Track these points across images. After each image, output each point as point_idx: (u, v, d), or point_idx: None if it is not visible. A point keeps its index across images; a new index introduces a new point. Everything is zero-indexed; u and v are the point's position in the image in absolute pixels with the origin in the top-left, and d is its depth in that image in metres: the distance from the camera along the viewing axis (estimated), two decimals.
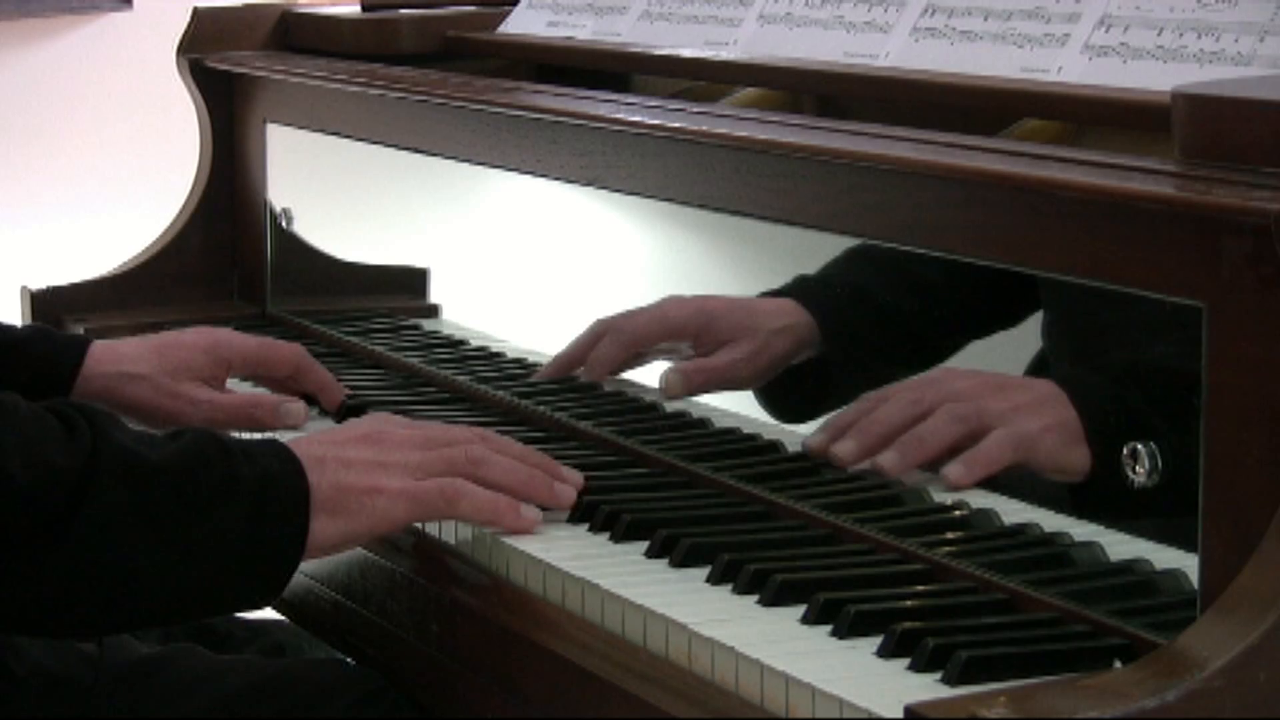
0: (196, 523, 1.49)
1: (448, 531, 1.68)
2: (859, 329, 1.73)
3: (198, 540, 1.49)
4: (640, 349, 1.89)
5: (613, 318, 1.91)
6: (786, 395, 1.76)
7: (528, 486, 1.64)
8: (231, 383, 2.02)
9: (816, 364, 1.74)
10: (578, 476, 1.68)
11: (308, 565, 1.81)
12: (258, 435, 1.82)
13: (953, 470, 1.56)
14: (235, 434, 1.76)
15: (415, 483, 1.59)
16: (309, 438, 1.62)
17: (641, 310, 1.88)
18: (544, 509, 1.65)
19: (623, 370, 1.92)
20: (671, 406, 1.85)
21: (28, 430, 1.47)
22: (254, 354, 1.98)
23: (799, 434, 1.72)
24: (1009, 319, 1.58)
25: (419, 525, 1.70)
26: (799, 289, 1.74)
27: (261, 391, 2.01)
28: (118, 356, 1.93)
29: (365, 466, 1.57)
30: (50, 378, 1.89)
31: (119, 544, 1.47)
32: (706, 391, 1.83)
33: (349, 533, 1.57)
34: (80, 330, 2.37)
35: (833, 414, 1.67)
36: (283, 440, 1.59)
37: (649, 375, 1.89)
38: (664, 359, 1.88)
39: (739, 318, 1.78)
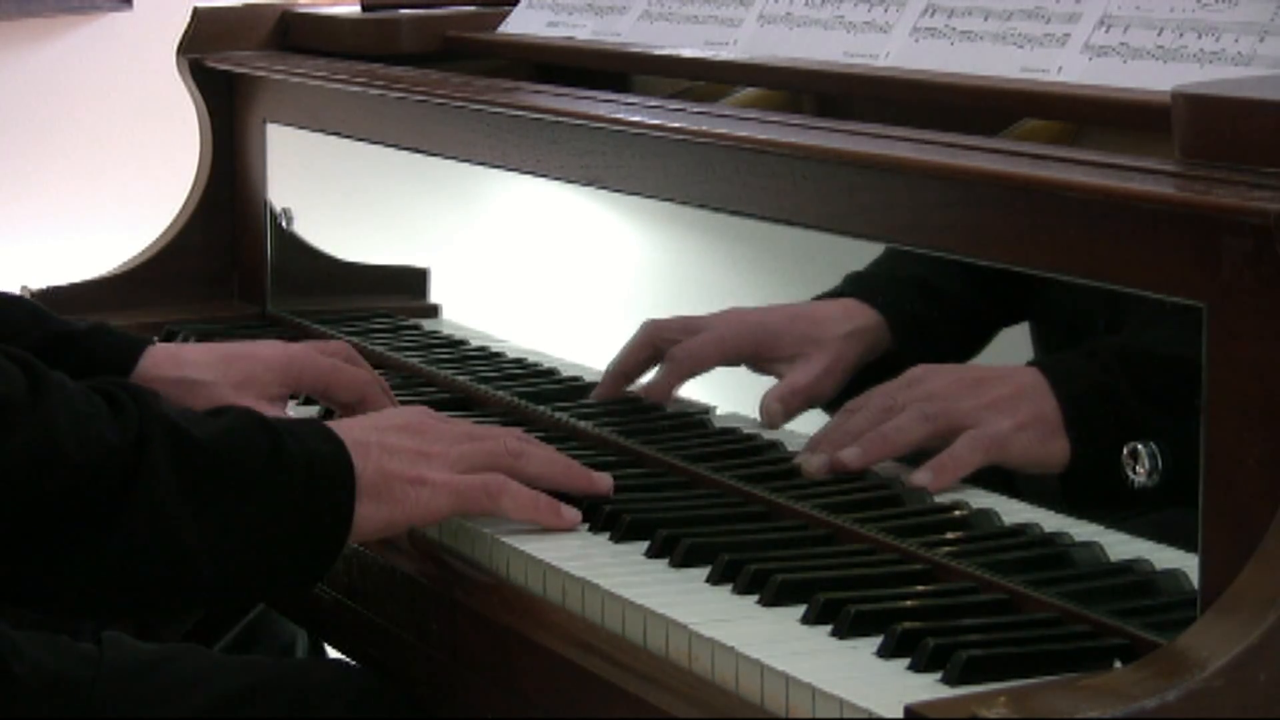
0: (244, 501, 1.47)
1: (448, 532, 1.68)
2: (927, 321, 1.69)
3: (245, 519, 1.47)
4: (698, 374, 1.82)
5: (665, 329, 1.83)
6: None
7: (567, 476, 1.64)
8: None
9: (887, 361, 1.69)
10: (607, 477, 1.67)
11: None
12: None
13: (920, 476, 1.56)
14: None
15: (459, 476, 1.57)
16: (351, 421, 1.61)
17: (697, 329, 1.80)
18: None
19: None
20: (672, 407, 1.85)
21: (79, 404, 1.45)
22: (325, 376, 1.89)
23: (799, 434, 1.72)
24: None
25: (420, 526, 1.70)
26: (858, 288, 1.70)
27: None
28: (180, 361, 1.87)
29: (409, 455, 1.56)
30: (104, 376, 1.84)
31: (170, 518, 1.44)
32: (802, 412, 1.75)
33: (391, 521, 1.55)
34: None
35: (819, 430, 1.66)
36: (325, 423, 1.58)
37: (646, 376, 1.88)
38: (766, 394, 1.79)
39: (803, 328, 1.72)
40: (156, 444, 1.45)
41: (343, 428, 1.56)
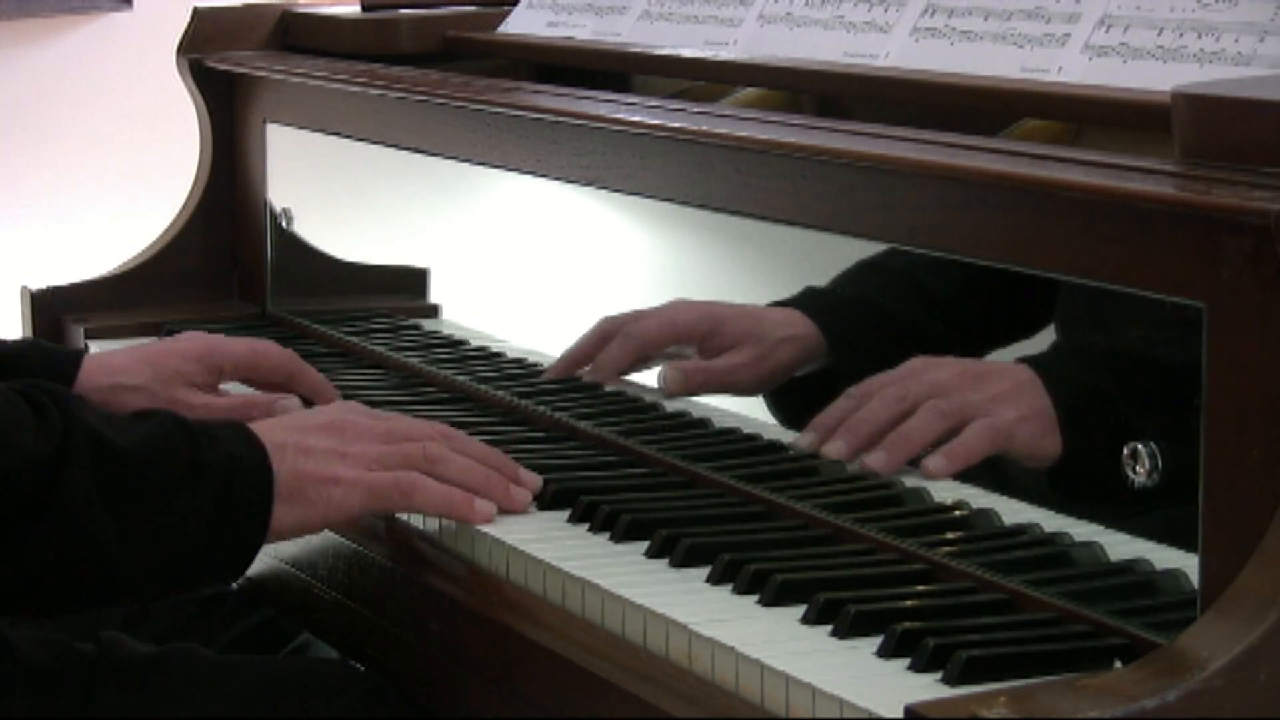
0: (164, 507, 1.52)
1: (448, 532, 1.68)
2: (865, 341, 1.74)
3: (165, 524, 1.52)
4: (648, 352, 1.89)
5: (620, 318, 1.91)
6: (795, 406, 1.76)
7: (484, 487, 1.66)
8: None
9: (824, 376, 1.74)
10: (536, 479, 1.70)
11: (304, 564, 1.82)
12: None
13: (933, 462, 1.58)
14: None
15: (372, 474, 1.61)
16: (272, 422, 1.66)
17: (649, 313, 1.88)
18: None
19: (629, 373, 1.91)
20: (672, 406, 1.85)
21: (2, 415, 1.49)
22: (245, 358, 1.98)
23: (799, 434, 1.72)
24: (1022, 330, 1.58)
25: (420, 525, 1.70)
26: (806, 300, 1.74)
27: (254, 393, 2.01)
28: (111, 369, 1.93)
29: (324, 455, 1.61)
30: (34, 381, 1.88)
31: (90, 526, 1.49)
32: (705, 392, 1.83)
33: (304, 521, 1.60)
34: (80, 330, 2.37)
35: (821, 413, 1.67)
36: (246, 425, 1.62)
37: (649, 376, 1.89)
38: (669, 360, 1.87)
39: (746, 324, 1.78)
40: (78, 452, 1.49)
41: (263, 429, 1.61)
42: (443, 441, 1.67)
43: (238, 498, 1.55)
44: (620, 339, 1.90)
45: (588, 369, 1.94)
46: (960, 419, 1.57)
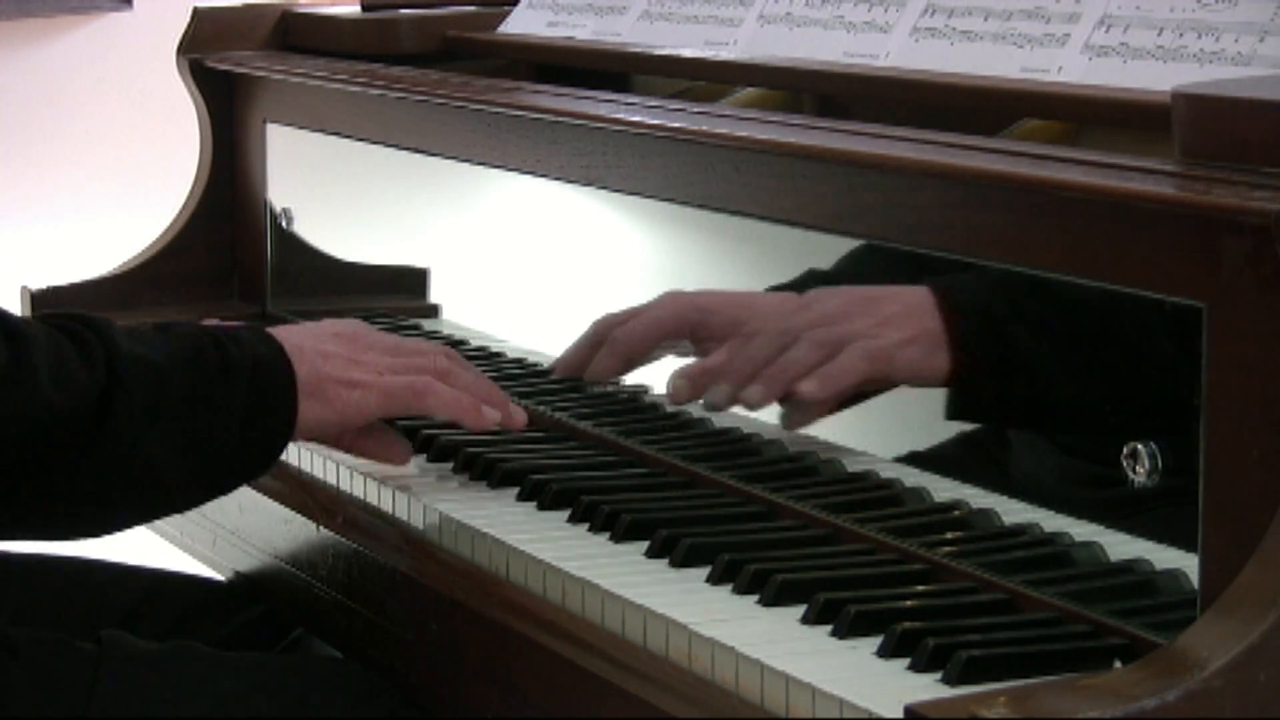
0: (201, 412, 1.59)
1: (448, 532, 1.68)
2: None
3: (202, 428, 1.59)
4: (636, 356, 1.88)
5: (609, 323, 1.89)
6: None
7: (488, 399, 1.75)
8: None
9: None
10: (523, 413, 1.79)
11: (304, 563, 1.82)
12: None
13: (805, 385, 1.61)
14: None
15: (386, 378, 1.70)
16: (287, 328, 1.72)
17: (636, 316, 1.86)
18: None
19: (625, 374, 1.91)
20: (672, 406, 1.85)
21: (52, 354, 1.55)
22: None
23: (799, 434, 1.72)
24: None
25: (421, 525, 1.71)
26: (803, 285, 1.73)
27: None
28: None
29: (341, 360, 1.68)
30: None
31: (139, 443, 1.56)
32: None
33: (325, 419, 1.67)
34: None
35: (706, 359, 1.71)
36: (265, 329, 1.68)
37: (648, 376, 1.88)
38: (668, 355, 1.87)
39: (736, 313, 1.77)
40: (124, 376, 1.55)
41: (280, 333, 1.68)
42: (448, 360, 1.75)
43: (265, 396, 1.61)
44: (608, 348, 1.89)
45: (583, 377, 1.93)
46: (838, 347, 1.60)
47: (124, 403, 1.54)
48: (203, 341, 1.61)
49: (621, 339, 1.87)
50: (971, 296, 1.53)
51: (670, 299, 1.84)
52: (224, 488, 1.66)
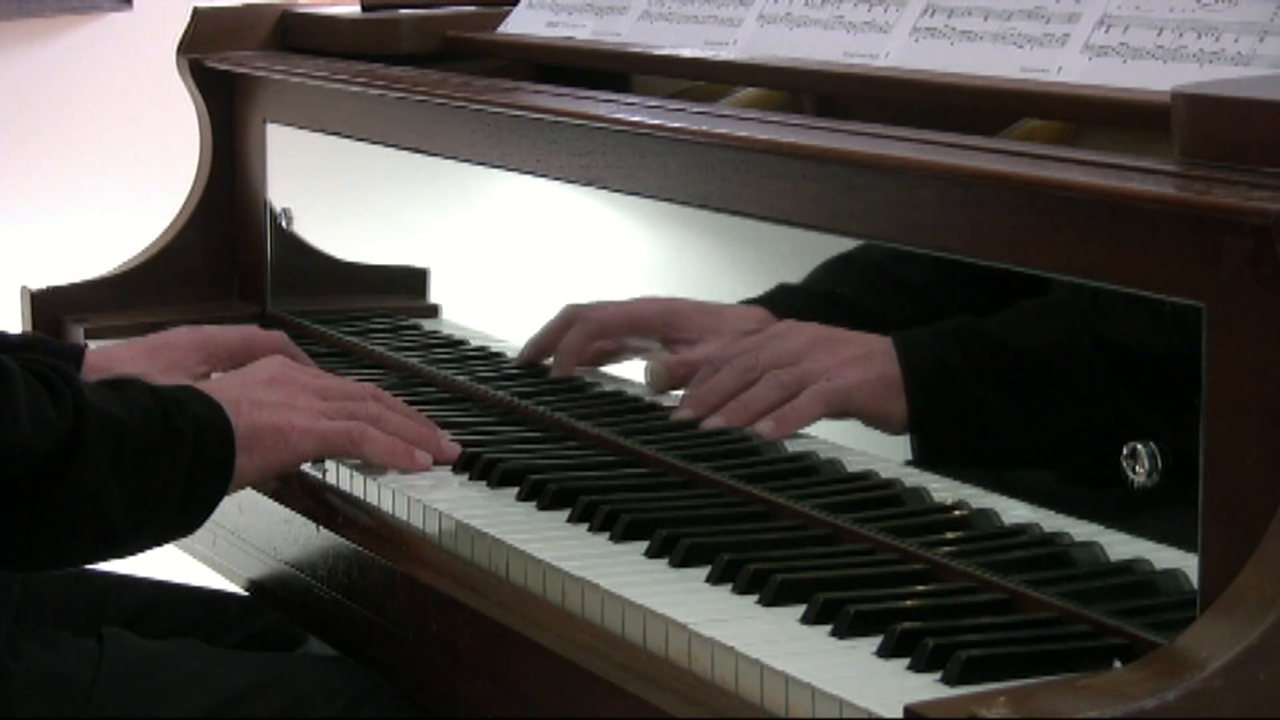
0: (151, 468, 1.64)
1: (448, 532, 1.68)
2: None
3: (151, 483, 1.64)
4: (606, 338, 1.94)
5: (582, 306, 1.94)
6: None
7: (419, 440, 1.81)
8: None
9: None
10: (456, 446, 1.84)
11: (304, 564, 1.82)
12: None
13: (764, 426, 1.69)
14: None
15: (323, 423, 1.76)
16: (219, 381, 1.81)
17: (610, 301, 1.91)
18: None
19: (591, 360, 1.93)
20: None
21: (28, 392, 1.59)
22: (239, 345, 2.06)
23: (799, 434, 1.72)
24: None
25: (420, 526, 1.71)
26: (774, 298, 1.76)
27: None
28: (111, 361, 2.00)
29: (275, 407, 1.74)
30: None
31: (96, 489, 1.60)
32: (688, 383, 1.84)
33: (264, 467, 1.73)
34: (80, 330, 2.37)
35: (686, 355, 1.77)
36: (197, 386, 1.75)
37: (638, 378, 1.88)
38: (637, 357, 1.88)
39: (707, 320, 1.82)
40: (89, 423, 1.60)
41: (213, 389, 1.74)
42: (376, 403, 1.82)
43: (208, 454, 1.67)
44: (578, 325, 1.96)
45: (551, 359, 1.98)
46: (798, 388, 1.67)
47: (88, 450, 1.59)
48: (150, 403, 1.66)
49: (594, 319, 1.94)
50: (931, 348, 1.59)
51: (645, 299, 1.89)
52: (163, 539, 1.70)
